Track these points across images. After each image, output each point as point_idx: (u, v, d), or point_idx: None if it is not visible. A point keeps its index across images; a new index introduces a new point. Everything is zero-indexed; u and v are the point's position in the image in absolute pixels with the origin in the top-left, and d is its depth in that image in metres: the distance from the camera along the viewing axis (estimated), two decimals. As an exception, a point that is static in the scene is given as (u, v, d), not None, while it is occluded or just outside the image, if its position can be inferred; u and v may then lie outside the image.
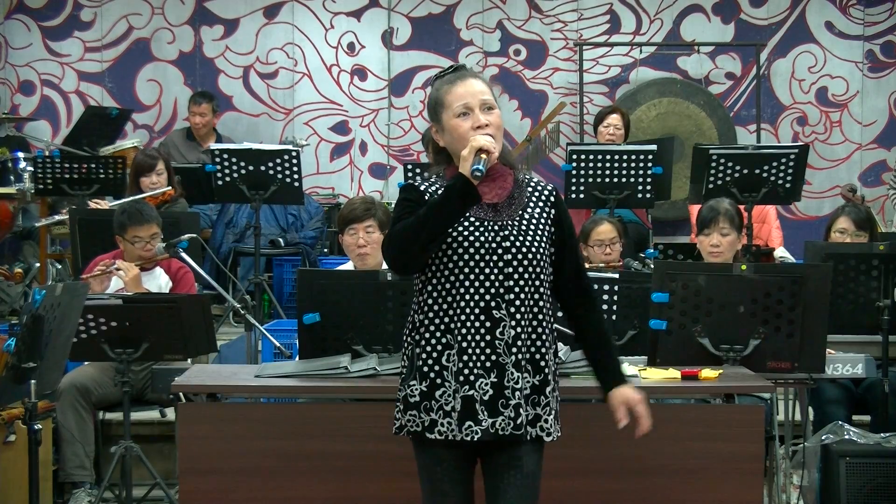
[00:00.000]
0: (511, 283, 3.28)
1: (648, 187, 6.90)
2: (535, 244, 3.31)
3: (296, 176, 7.00)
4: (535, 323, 3.30)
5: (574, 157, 6.93)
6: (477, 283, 3.27)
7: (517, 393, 3.25)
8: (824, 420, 5.14)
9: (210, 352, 5.31)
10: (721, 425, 3.99)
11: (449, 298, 3.29)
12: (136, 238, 5.61)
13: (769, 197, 6.62)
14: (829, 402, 5.32)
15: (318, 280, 4.42)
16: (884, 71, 9.61)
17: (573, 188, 6.89)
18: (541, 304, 3.31)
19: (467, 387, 3.25)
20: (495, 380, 3.25)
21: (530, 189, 3.41)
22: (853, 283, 5.03)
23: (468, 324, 3.26)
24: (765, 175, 6.53)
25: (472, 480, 3.37)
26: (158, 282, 5.69)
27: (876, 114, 9.61)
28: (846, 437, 4.71)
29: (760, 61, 9.44)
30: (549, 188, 3.44)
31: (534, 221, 3.35)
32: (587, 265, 4.86)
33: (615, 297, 4.75)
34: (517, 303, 3.27)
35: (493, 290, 3.27)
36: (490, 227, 3.31)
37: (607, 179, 6.88)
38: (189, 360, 5.17)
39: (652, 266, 4.91)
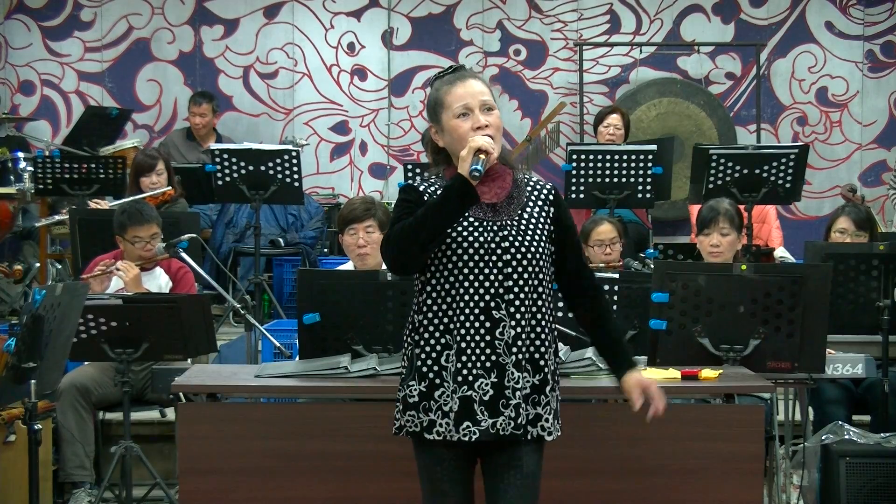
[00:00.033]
0: (510, 283, 3.28)
1: (648, 187, 6.90)
2: (535, 244, 3.31)
3: (296, 176, 7.00)
4: (534, 322, 3.30)
5: (574, 157, 6.93)
6: (476, 284, 3.27)
7: (517, 393, 3.25)
8: (824, 420, 5.14)
9: (210, 352, 5.31)
10: (721, 425, 3.99)
11: (448, 299, 3.29)
12: (136, 238, 5.61)
13: (769, 197, 6.62)
14: (829, 402, 5.32)
15: (318, 280, 4.42)
16: (884, 71, 9.61)
17: (573, 188, 6.89)
18: (539, 303, 3.31)
19: (466, 387, 3.25)
20: (495, 380, 3.25)
21: (529, 188, 3.41)
22: (853, 283, 5.03)
23: (467, 324, 3.26)
24: (765, 175, 6.53)
25: (471, 480, 3.37)
26: (158, 282, 5.69)
27: (876, 114, 9.61)
28: (846, 437, 4.71)
29: (760, 61, 9.44)
30: (548, 187, 3.44)
31: (533, 221, 3.35)
32: (587, 265, 4.86)
33: (615, 297, 4.74)
34: (517, 303, 3.27)
35: (492, 291, 3.27)
36: (489, 228, 3.31)
37: (607, 179, 6.88)
38: (189, 360, 5.17)
39: (652, 266, 4.91)
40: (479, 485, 3.37)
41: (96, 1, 9.59)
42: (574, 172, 6.90)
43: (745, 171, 6.53)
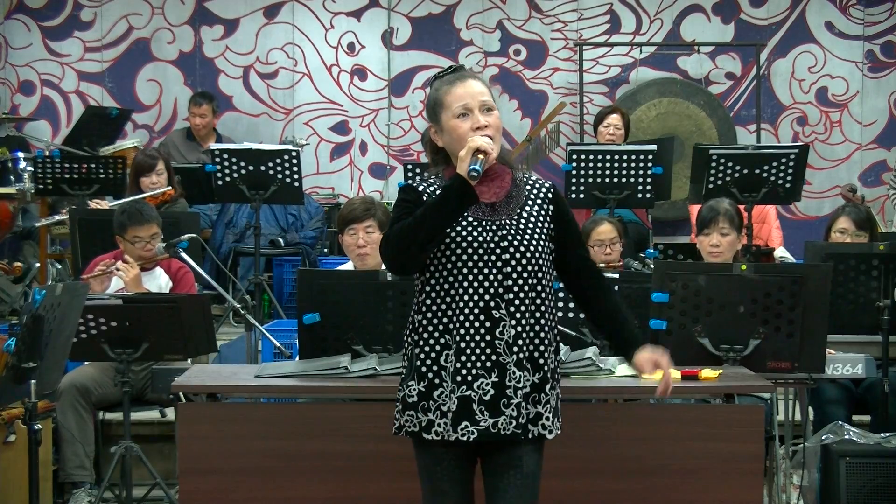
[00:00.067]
0: (510, 282, 3.28)
1: (648, 187, 6.90)
2: (534, 243, 3.31)
3: (296, 176, 7.00)
4: (533, 321, 3.30)
5: (574, 157, 6.93)
6: (476, 284, 3.27)
7: (519, 392, 3.26)
8: (824, 420, 5.14)
9: (210, 352, 5.31)
10: (721, 425, 3.99)
11: (448, 299, 3.29)
12: (137, 238, 5.61)
13: (769, 197, 6.62)
14: (829, 402, 5.32)
15: (318, 280, 4.42)
16: (884, 71, 9.61)
17: (573, 188, 6.89)
18: (538, 302, 3.31)
19: (465, 387, 3.25)
20: (496, 379, 3.25)
21: (528, 187, 3.41)
22: (853, 283, 5.03)
23: (467, 324, 3.27)
24: (765, 175, 6.53)
25: (471, 480, 3.37)
26: (158, 282, 5.69)
27: (876, 114, 9.61)
28: (846, 437, 4.71)
29: (760, 61, 9.44)
30: (546, 185, 3.44)
31: (532, 220, 3.35)
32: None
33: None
34: (516, 302, 3.27)
35: (491, 290, 3.27)
36: (488, 227, 3.31)
37: (607, 179, 6.88)
38: (189, 360, 5.17)
39: (652, 266, 4.91)
40: (479, 485, 3.37)
41: (96, 1, 9.59)
42: (574, 172, 6.90)
43: (745, 171, 6.52)
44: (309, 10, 9.65)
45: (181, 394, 4.45)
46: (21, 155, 7.87)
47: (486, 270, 3.28)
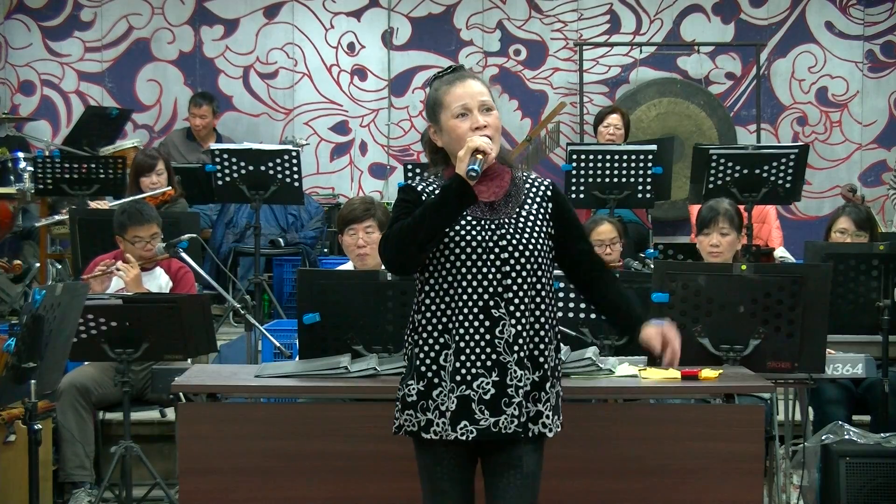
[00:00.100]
0: (509, 281, 3.28)
1: (648, 187, 6.90)
2: (533, 241, 3.32)
3: (296, 176, 7.00)
4: (533, 320, 3.30)
5: (574, 157, 6.94)
6: (475, 283, 3.27)
7: (520, 391, 3.26)
8: (824, 420, 5.14)
9: (210, 352, 5.31)
10: (721, 425, 3.99)
11: (447, 298, 3.29)
12: (137, 238, 5.61)
13: (769, 197, 6.62)
14: (829, 402, 5.31)
15: (318, 280, 4.42)
16: (884, 71, 9.61)
17: (573, 188, 6.89)
18: (538, 300, 3.31)
19: (464, 386, 3.25)
20: (497, 379, 3.25)
21: (527, 186, 3.42)
22: (853, 283, 5.03)
23: (466, 324, 3.27)
24: (765, 175, 6.53)
25: (472, 480, 3.37)
26: (158, 282, 5.69)
27: (876, 114, 9.62)
28: (846, 437, 4.71)
29: (760, 61, 9.44)
30: (545, 183, 3.44)
31: (531, 218, 3.35)
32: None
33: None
34: (516, 301, 3.27)
35: (490, 290, 3.27)
36: (487, 226, 3.31)
37: (607, 179, 6.88)
38: (189, 360, 5.17)
39: (652, 266, 4.91)
40: (479, 485, 3.37)
41: (96, 1, 9.59)
42: (574, 172, 6.90)
43: (745, 171, 6.52)
44: (309, 10, 9.65)
45: (181, 394, 4.45)
46: (21, 155, 7.88)
47: (484, 270, 3.28)
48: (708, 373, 4.05)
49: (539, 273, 3.32)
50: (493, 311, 3.26)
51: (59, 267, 8.00)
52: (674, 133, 8.97)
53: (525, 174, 3.45)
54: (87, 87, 9.61)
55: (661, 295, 4.45)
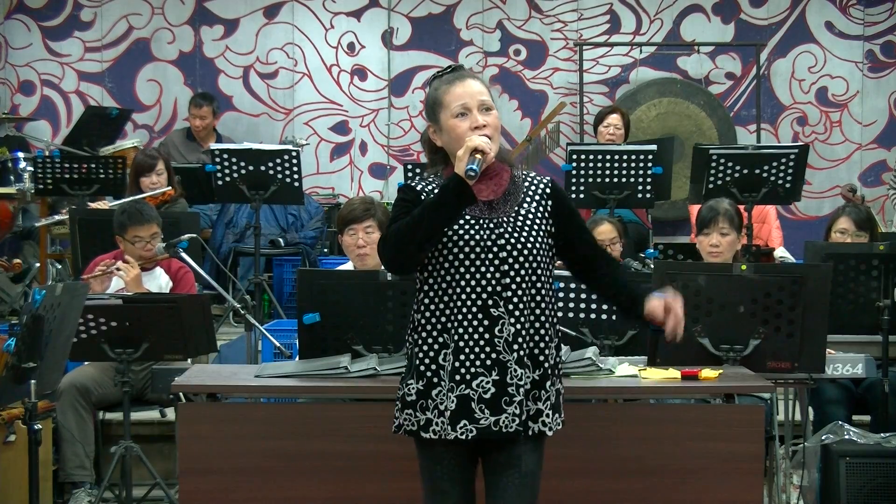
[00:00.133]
0: (508, 280, 3.28)
1: (648, 187, 6.90)
2: (532, 240, 3.31)
3: (296, 176, 7.00)
4: (533, 318, 3.30)
5: (574, 157, 6.94)
6: (473, 282, 3.27)
7: (520, 389, 3.26)
8: (824, 420, 5.14)
9: (210, 352, 5.31)
10: (721, 425, 3.99)
11: (445, 298, 3.29)
12: (137, 238, 5.61)
13: (769, 197, 6.62)
14: (829, 402, 5.31)
15: (318, 280, 4.42)
16: (884, 71, 9.61)
17: (573, 188, 6.89)
18: (538, 299, 3.31)
19: (463, 386, 3.25)
20: (497, 378, 3.25)
21: (526, 184, 3.41)
22: (853, 283, 5.02)
23: (465, 323, 3.26)
24: (765, 175, 6.53)
25: (472, 480, 3.37)
26: (158, 282, 5.69)
27: (876, 114, 9.61)
28: (846, 437, 4.71)
29: (760, 61, 9.44)
30: (545, 181, 3.44)
31: (530, 217, 3.35)
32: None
33: (615, 297, 4.74)
34: (515, 300, 3.27)
35: (489, 289, 3.27)
36: (485, 225, 3.31)
37: (607, 179, 6.88)
38: (189, 360, 5.17)
39: (652, 266, 4.91)
40: (480, 485, 3.37)
41: (96, 1, 9.59)
42: (574, 172, 6.90)
43: (745, 171, 6.52)
44: (309, 10, 9.65)
45: (181, 394, 4.45)
46: (21, 155, 7.88)
47: (483, 269, 3.28)
48: (708, 373, 4.05)
49: (538, 272, 3.32)
50: (491, 310, 3.26)
51: (59, 267, 8.00)
52: (674, 133, 8.97)
53: (524, 173, 3.45)
54: (87, 87, 9.61)
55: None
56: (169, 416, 5.85)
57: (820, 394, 5.31)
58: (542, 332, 3.31)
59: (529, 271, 3.29)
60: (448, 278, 3.29)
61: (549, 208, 3.39)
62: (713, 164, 6.52)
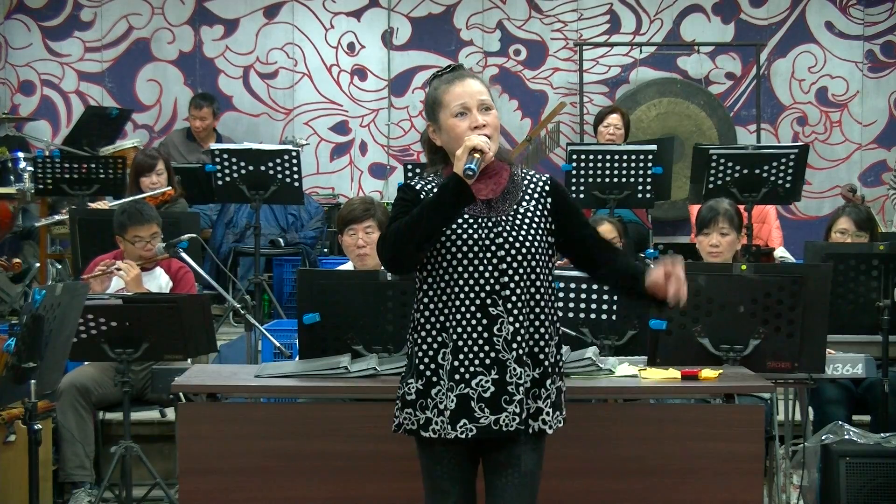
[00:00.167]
0: (506, 279, 3.27)
1: (648, 187, 6.90)
2: (531, 238, 3.31)
3: (296, 176, 7.00)
4: (532, 317, 3.30)
5: (574, 157, 6.94)
6: (472, 281, 3.27)
7: (520, 388, 3.25)
8: (824, 420, 5.14)
9: (210, 352, 5.31)
10: (721, 425, 3.99)
11: (444, 297, 3.29)
12: (137, 238, 5.61)
13: (769, 197, 6.62)
14: (829, 402, 5.31)
15: (318, 280, 4.42)
16: (884, 71, 9.61)
17: (573, 188, 6.89)
18: (537, 297, 3.31)
19: (462, 385, 3.25)
20: (497, 376, 3.25)
21: (526, 183, 3.41)
22: (853, 283, 5.03)
23: (464, 322, 3.26)
24: (765, 175, 6.53)
25: (473, 480, 3.37)
26: (158, 282, 5.69)
27: (876, 114, 9.61)
28: (846, 437, 4.71)
29: (760, 61, 9.44)
30: (544, 178, 3.44)
31: (529, 215, 3.35)
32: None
33: (615, 297, 4.74)
34: (514, 298, 3.27)
35: (488, 288, 3.27)
36: (484, 224, 3.31)
37: (607, 179, 6.88)
38: (189, 360, 5.17)
39: (652, 266, 4.90)
40: (480, 485, 3.37)
41: (96, 1, 9.59)
42: (574, 172, 6.90)
43: (745, 171, 6.52)
44: (309, 10, 9.65)
45: (181, 394, 4.45)
46: (21, 155, 7.88)
47: (481, 268, 3.28)
48: (708, 373, 4.05)
49: (537, 270, 3.31)
50: (490, 308, 3.26)
51: (59, 267, 8.00)
52: (674, 133, 8.97)
53: (524, 171, 3.45)
54: (87, 87, 9.61)
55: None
56: (169, 416, 5.85)
57: (820, 394, 5.31)
58: (542, 330, 3.31)
59: (528, 270, 3.29)
60: (447, 277, 3.29)
61: (548, 206, 3.39)
62: (713, 164, 6.52)
